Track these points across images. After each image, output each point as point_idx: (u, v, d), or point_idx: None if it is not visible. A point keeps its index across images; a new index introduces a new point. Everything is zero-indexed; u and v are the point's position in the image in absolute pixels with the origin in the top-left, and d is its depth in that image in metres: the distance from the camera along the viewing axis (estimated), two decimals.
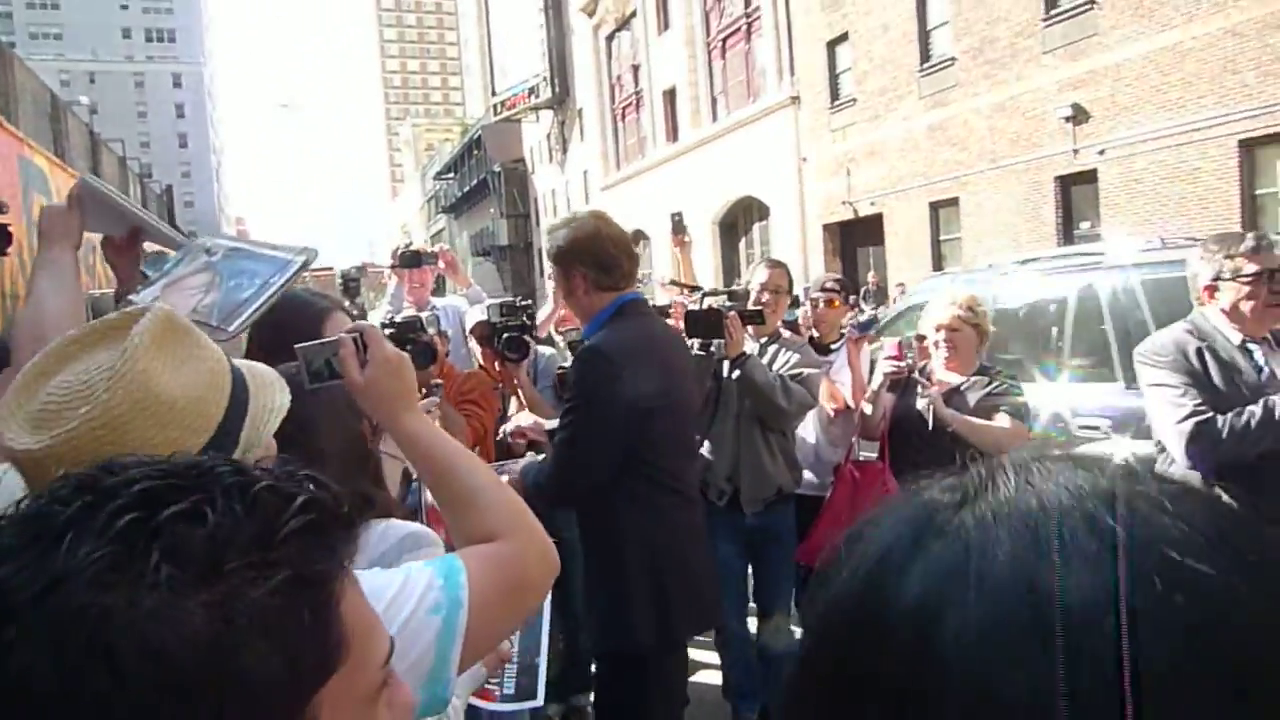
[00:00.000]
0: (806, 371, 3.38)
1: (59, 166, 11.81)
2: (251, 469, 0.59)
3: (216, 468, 0.57)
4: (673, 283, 4.19)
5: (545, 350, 3.77)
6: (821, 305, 3.95)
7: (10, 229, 1.90)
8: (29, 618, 0.47)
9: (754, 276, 3.68)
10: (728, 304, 3.44)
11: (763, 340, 3.50)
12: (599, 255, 2.50)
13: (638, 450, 2.45)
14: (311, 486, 0.59)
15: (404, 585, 0.98)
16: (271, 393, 1.08)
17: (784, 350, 3.48)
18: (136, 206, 1.66)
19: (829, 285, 4.03)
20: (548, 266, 2.85)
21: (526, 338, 3.29)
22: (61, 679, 0.46)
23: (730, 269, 24.10)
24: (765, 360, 3.41)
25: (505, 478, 1.99)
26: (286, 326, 1.56)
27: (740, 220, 24.56)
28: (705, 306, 3.41)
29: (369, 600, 0.91)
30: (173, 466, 0.57)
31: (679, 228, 4.32)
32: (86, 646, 0.46)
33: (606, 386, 2.41)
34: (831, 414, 3.59)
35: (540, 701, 1.94)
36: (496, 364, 3.41)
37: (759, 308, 3.45)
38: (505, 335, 3.26)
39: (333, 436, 1.37)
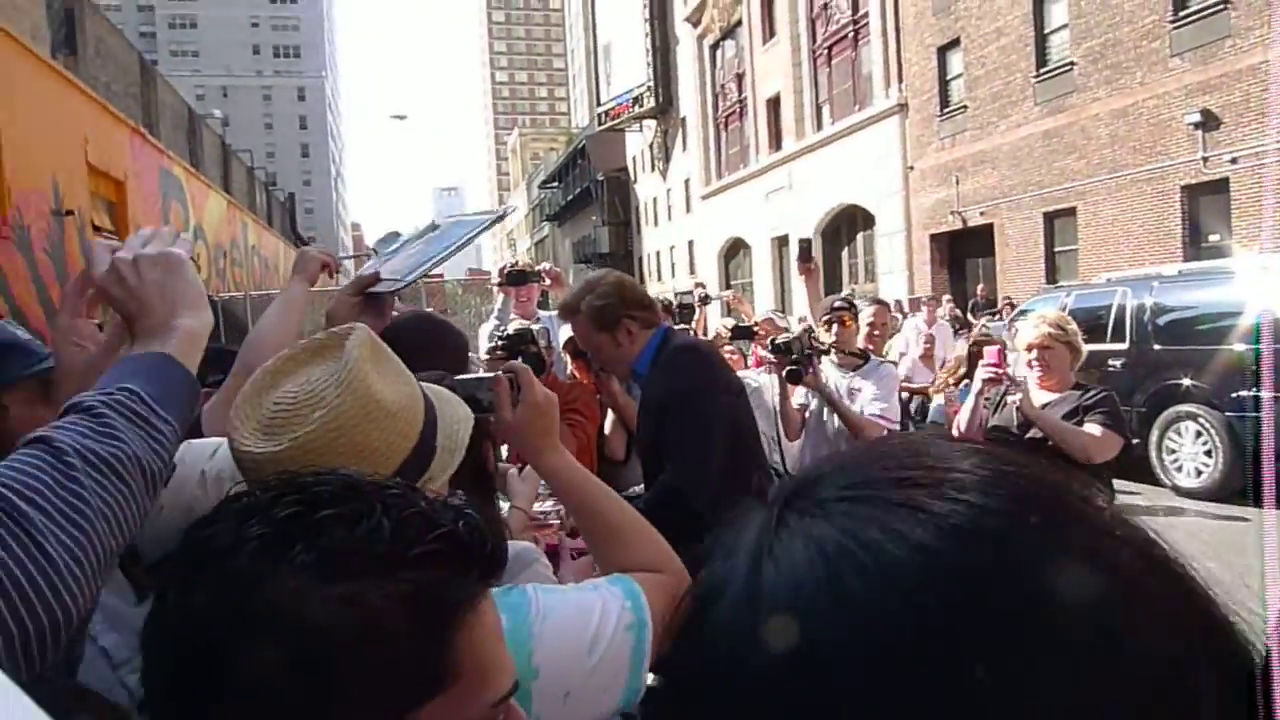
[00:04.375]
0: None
1: (193, 175, 12.59)
2: (418, 497, 0.64)
3: (389, 488, 0.65)
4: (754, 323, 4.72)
5: None
6: (836, 327, 3.97)
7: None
8: (210, 568, 0.60)
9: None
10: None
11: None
12: (640, 298, 2.66)
13: (738, 435, 2.52)
14: (462, 524, 0.63)
15: (605, 605, 1.06)
16: (454, 406, 1.17)
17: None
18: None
19: (839, 305, 4.04)
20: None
21: None
22: (213, 616, 0.59)
23: (832, 279, 23.73)
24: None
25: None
26: (424, 350, 1.62)
27: (844, 229, 24.16)
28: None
29: (573, 617, 1.01)
30: (357, 481, 0.65)
31: (805, 255, 4.21)
32: (234, 601, 0.59)
33: (707, 376, 2.50)
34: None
35: None
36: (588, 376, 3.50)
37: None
38: None
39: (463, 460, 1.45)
